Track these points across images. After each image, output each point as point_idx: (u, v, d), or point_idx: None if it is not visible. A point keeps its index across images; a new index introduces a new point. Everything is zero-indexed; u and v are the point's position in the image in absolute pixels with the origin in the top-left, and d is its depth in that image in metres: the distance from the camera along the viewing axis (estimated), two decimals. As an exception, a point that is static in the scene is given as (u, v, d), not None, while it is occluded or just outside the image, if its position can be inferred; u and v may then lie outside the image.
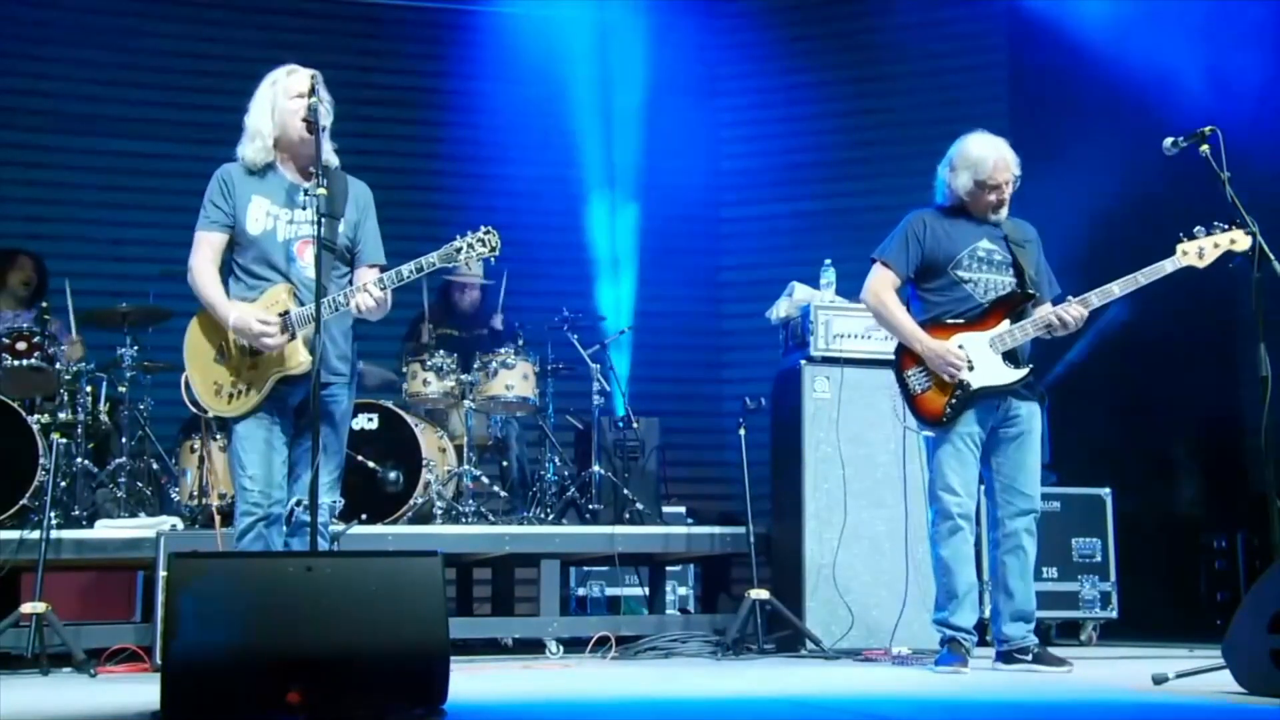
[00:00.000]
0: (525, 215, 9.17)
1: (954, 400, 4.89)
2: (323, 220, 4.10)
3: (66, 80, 8.77)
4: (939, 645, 5.04)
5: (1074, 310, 4.84)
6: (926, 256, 5.02)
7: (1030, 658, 4.89)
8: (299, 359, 4.25)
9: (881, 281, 5.06)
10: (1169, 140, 4.66)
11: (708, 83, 9.48)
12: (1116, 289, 4.80)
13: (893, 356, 5.13)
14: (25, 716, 3.76)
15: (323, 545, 4.32)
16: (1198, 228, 4.74)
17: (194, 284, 4.39)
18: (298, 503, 4.30)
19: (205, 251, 4.36)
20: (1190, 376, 7.59)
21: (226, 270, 4.41)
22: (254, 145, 4.42)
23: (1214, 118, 4.65)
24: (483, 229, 4.26)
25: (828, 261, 6.35)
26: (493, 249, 4.24)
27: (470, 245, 4.24)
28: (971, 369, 4.89)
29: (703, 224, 9.59)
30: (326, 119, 4.35)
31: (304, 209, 4.29)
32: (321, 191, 4.10)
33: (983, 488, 5.09)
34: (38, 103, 8.73)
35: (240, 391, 4.32)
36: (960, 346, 4.91)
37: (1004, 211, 5.05)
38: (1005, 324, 4.93)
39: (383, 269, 4.42)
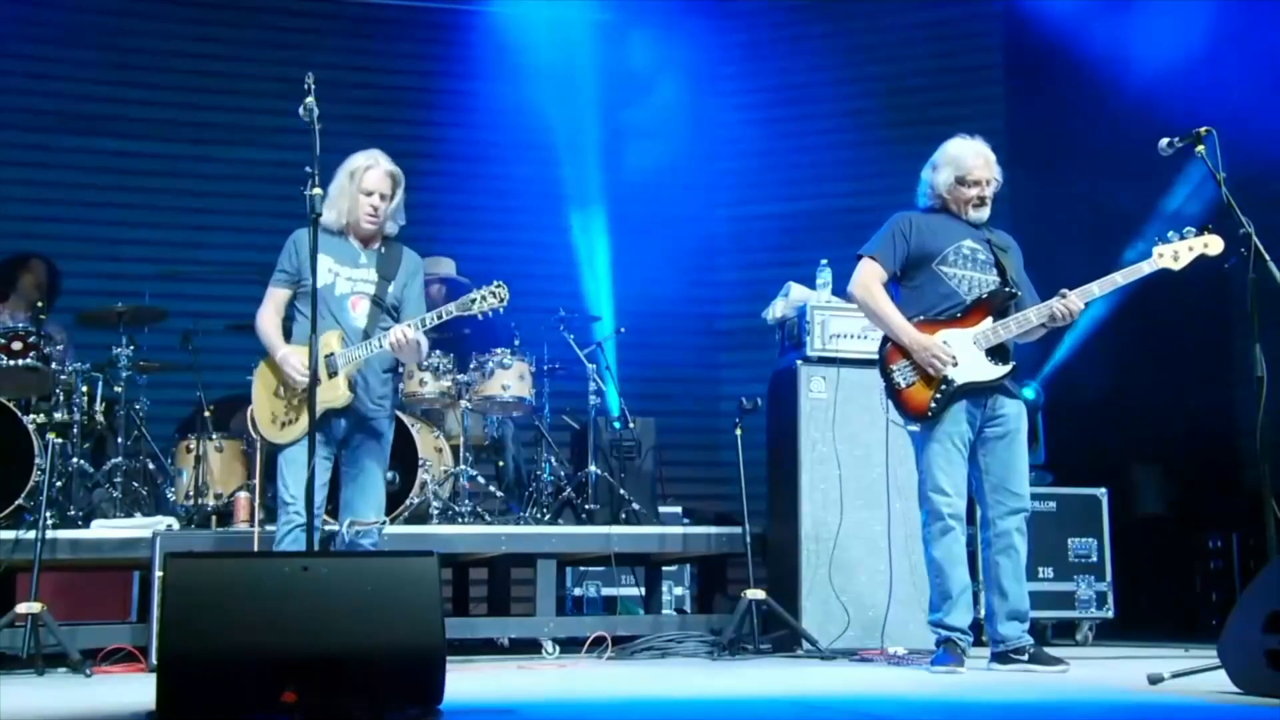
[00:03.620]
0: (521, 214, 9.19)
1: (939, 395, 4.92)
2: (318, 222, 4.40)
3: (66, 80, 8.77)
4: (935, 646, 5.04)
5: (1073, 304, 4.88)
6: (912, 251, 5.06)
7: (1026, 658, 4.89)
8: (339, 393, 4.81)
9: (869, 274, 5.10)
10: (1164, 141, 4.69)
11: (704, 82, 9.47)
12: (1096, 289, 4.90)
13: (877, 350, 5.15)
14: (21, 717, 3.76)
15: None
16: (1171, 232, 4.86)
17: (258, 330, 5.04)
18: (350, 525, 4.91)
19: (270, 304, 5.04)
20: (1186, 377, 7.61)
21: (293, 315, 5.06)
22: (330, 214, 4.97)
23: (1211, 117, 4.66)
24: (495, 283, 4.76)
25: (824, 262, 6.35)
26: (501, 300, 4.76)
27: (484, 297, 4.77)
28: (955, 365, 4.92)
29: (699, 224, 9.59)
30: (396, 192, 5.08)
31: (361, 267, 4.99)
32: (316, 191, 4.32)
33: (971, 488, 5.10)
34: (37, 103, 8.73)
35: (291, 421, 4.91)
36: (945, 342, 4.94)
37: (984, 213, 5.11)
38: (988, 321, 4.97)
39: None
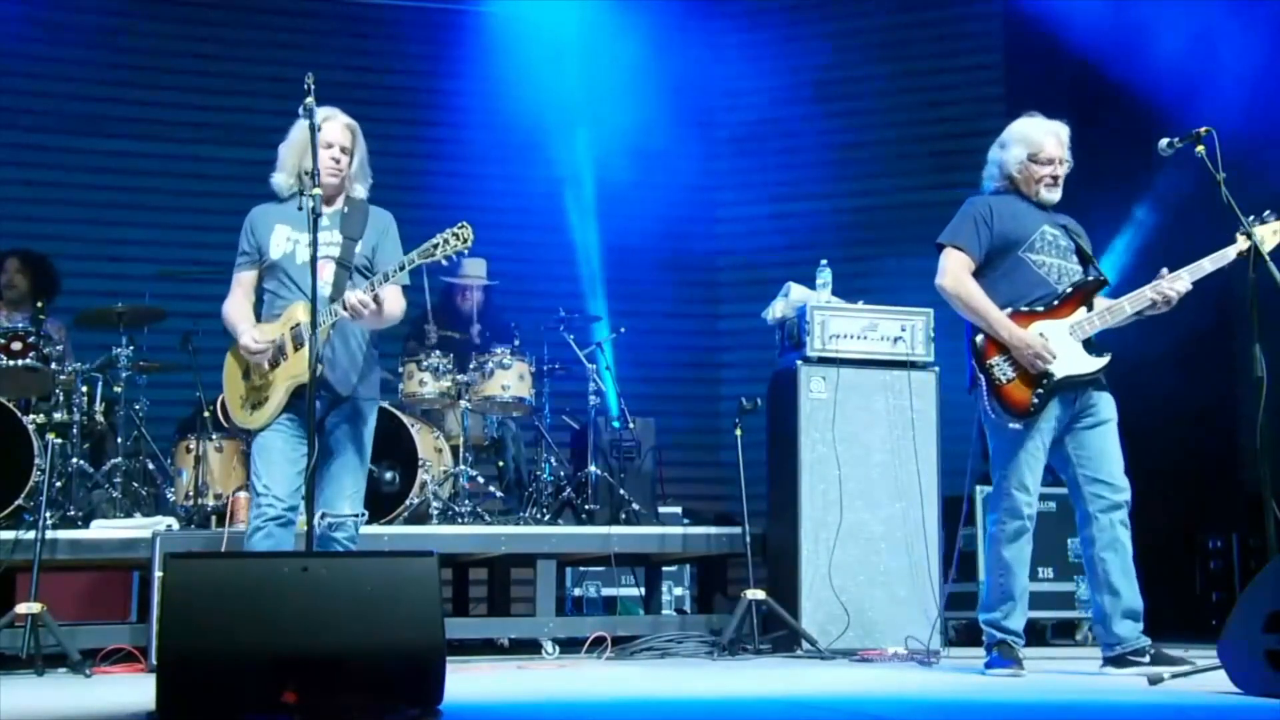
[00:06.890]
0: (520, 215, 9.19)
1: (1040, 390, 4.70)
2: (317, 218, 4.21)
3: (66, 80, 8.77)
4: (986, 648, 4.83)
5: (1179, 284, 4.71)
6: (995, 238, 4.82)
7: (1147, 660, 4.59)
8: (306, 366, 4.31)
9: (957, 264, 4.81)
10: (1164, 141, 4.68)
11: (702, 81, 9.47)
12: (1186, 275, 4.72)
13: (965, 342, 4.88)
14: (20, 717, 3.76)
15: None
16: (1251, 217, 4.63)
17: (224, 318, 4.81)
18: (322, 517, 4.49)
19: (236, 291, 4.82)
20: (1186, 376, 7.59)
21: (260, 296, 4.82)
22: (281, 175, 4.78)
23: (1212, 116, 4.65)
24: (458, 224, 4.37)
25: (824, 262, 6.34)
26: (465, 241, 4.36)
27: (446, 240, 4.39)
28: (1054, 358, 4.71)
29: (698, 224, 9.60)
30: (357, 144, 4.74)
31: (323, 230, 4.39)
32: (316, 191, 4.21)
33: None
34: (37, 103, 8.73)
35: (261, 402, 4.67)
36: (1041, 335, 4.73)
37: (1057, 194, 4.89)
38: (1082, 311, 4.78)
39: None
